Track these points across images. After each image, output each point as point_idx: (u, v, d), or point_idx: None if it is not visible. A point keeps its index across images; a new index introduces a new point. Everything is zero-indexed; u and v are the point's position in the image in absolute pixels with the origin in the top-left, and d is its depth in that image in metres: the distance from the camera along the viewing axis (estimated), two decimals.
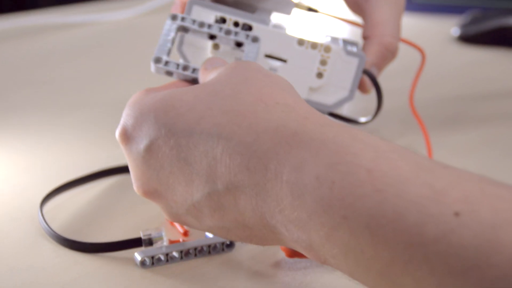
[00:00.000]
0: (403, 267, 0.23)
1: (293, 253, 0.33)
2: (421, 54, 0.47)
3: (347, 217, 0.24)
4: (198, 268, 0.34)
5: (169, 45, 0.36)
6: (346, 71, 0.41)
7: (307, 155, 0.26)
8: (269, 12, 0.43)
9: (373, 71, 0.43)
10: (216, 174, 0.28)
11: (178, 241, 0.36)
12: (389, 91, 0.50)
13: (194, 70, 0.36)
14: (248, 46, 0.37)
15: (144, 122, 0.30)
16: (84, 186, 0.43)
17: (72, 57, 0.74)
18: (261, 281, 0.33)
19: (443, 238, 0.22)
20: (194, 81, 0.36)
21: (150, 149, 0.30)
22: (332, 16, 0.46)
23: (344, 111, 0.54)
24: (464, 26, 0.75)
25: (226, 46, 0.39)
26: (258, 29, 0.40)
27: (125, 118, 0.32)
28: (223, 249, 0.35)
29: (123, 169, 0.44)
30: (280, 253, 0.35)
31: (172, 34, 0.37)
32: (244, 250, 0.36)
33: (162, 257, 0.34)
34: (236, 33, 0.37)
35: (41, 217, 0.38)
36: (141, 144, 0.31)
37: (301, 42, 0.41)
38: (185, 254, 0.35)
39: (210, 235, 0.36)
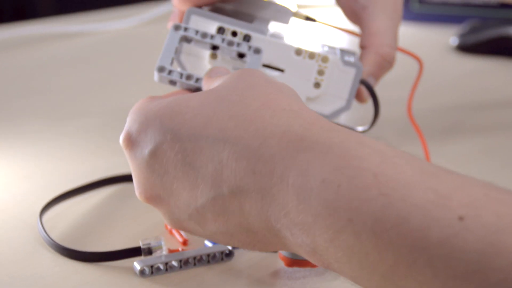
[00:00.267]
0: (406, 270, 0.23)
1: (292, 262, 0.33)
2: (419, 63, 0.47)
3: (352, 220, 0.24)
4: (198, 277, 0.34)
5: (172, 54, 0.37)
6: (343, 81, 0.41)
7: (313, 159, 0.26)
8: (267, 21, 0.44)
9: (370, 80, 0.44)
10: (222, 178, 0.28)
11: (177, 250, 0.36)
12: (387, 100, 0.51)
13: (197, 80, 0.36)
14: (250, 57, 0.37)
15: (149, 127, 0.31)
16: (84, 195, 0.43)
17: (71, 66, 0.74)
18: None
19: (447, 242, 0.22)
20: (197, 91, 0.36)
21: (155, 154, 0.30)
22: (329, 25, 0.47)
23: (342, 120, 0.54)
24: (462, 36, 0.76)
25: (225, 55, 0.39)
26: (256, 38, 0.40)
27: (129, 123, 0.32)
28: (222, 258, 0.35)
29: (123, 178, 0.44)
30: (279, 262, 0.35)
31: (175, 44, 0.37)
32: (243, 259, 0.36)
33: (162, 266, 0.34)
34: (238, 44, 0.37)
35: (40, 226, 0.38)
36: (146, 149, 0.31)
37: (298, 52, 0.41)
38: (185, 263, 0.35)
39: (209, 244, 0.36)
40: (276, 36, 0.41)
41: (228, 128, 0.29)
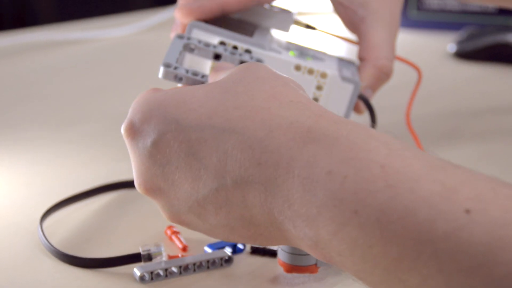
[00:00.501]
0: (411, 264, 0.23)
1: (291, 268, 0.33)
2: (418, 72, 0.48)
3: (358, 211, 0.24)
4: (197, 283, 0.34)
5: (176, 55, 0.37)
6: (341, 96, 0.42)
7: (320, 150, 0.26)
8: (268, 31, 0.44)
9: (368, 93, 0.44)
10: (226, 168, 0.28)
11: (177, 256, 0.36)
12: (385, 107, 0.51)
13: (203, 76, 0.36)
14: None
15: (153, 116, 0.30)
16: (84, 202, 0.43)
17: (71, 72, 0.75)
18: None
19: (452, 235, 0.22)
20: None
21: (158, 144, 0.30)
22: (329, 33, 0.47)
23: None
24: (460, 43, 0.76)
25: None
26: (256, 53, 0.41)
27: (132, 112, 0.31)
28: (221, 264, 0.35)
29: (123, 185, 0.45)
30: (278, 268, 0.35)
31: (179, 49, 0.37)
32: (242, 265, 0.36)
33: (161, 272, 0.34)
34: (241, 54, 0.38)
35: (41, 232, 0.38)
36: (149, 138, 0.30)
37: (298, 67, 0.41)
38: (184, 269, 0.35)
39: (209, 250, 0.37)
40: (276, 51, 0.42)
41: (234, 118, 0.28)
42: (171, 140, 0.29)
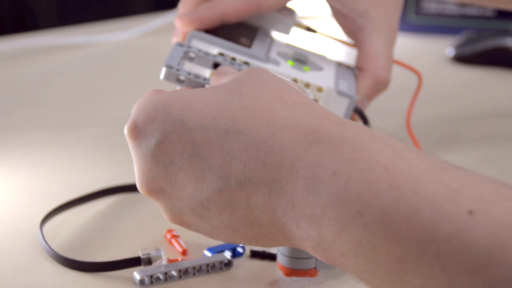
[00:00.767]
0: (414, 264, 0.23)
1: (291, 272, 0.34)
2: (418, 77, 0.48)
3: (362, 212, 0.24)
4: (197, 287, 0.34)
5: (178, 60, 0.37)
6: (336, 110, 0.42)
7: (324, 152, 0.26)
8: (268, 34, 0.44)
9: (363, 102, 0.44)
10: (230, 169, 0.28)
11: (176, 260, 0.36)
12: (385, 111, 0.51)
13: (205, 79, 0.36)
14: None
15: (157, 117, 0.30)
16: (84, 206, 0.43)
17: (72, 77, 0.75)
18: None
19: (456, 236, 0.22)
20: None
21: (161, 144, 0.30)
22: (329, 37, 0.47)
23: None
24: (458, 47, 0.76)
25: None
26: (254, 66, 0.41)
27: (135, 113, 0.31)
28: (221, 268, 0.36)
29: (123, 189, 0.45)
30: (277, 272, 0.35)
31: (180, 55, 0.38)
32: (242, 269, 0.36)
33: (161, 276, 0.34)
34: (240, 64, 0.39)
35: (41, 236, 0.38)
36: (153, 139, 0.30)
37: (295, 81, 0.42)
38: (184, 273, 0.35)
39: (208, 253, 0.37)
40: (275, 62, 0.42)
41: (239, 119, 0.28)
42: (175, 141, 0.29)
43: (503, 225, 0.22)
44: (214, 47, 0.41)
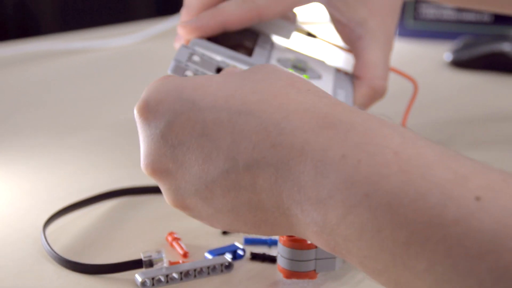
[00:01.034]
0: (418, 248, 0.23)
1: (291, 274, 0.34)
2: (414, 84, 0.48)
3: (369, 194, 0.24)
4: None
5: (185, 58, 0.38)
6: None
7: (335, 135, 0.26)
8: (269, 38, 0.45)
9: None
10: (239, 150, 0.28)
11: (178, 263, 0.36)
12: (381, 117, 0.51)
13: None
14: None
15: (169, 97, 0.30)
16: (87, 209, 0.43)
17: (74, 81, 0.75)
18: None
19: (462, 221, 0.23)
20: None
21: (172, 124, 0.30)
22: (329, 42, 0.48)
23: None
24: (456, 52, 0.77)
25: None
26: None
27: (147, 93, 0.31)
28: (222, 270, 0.36)
29: (125, 192, 0.45)
30: (277, 274, 0.36)
31: (187, 55, 0.38)
32: (242, 271, 0.36)
33: (162, 278, 0.35)
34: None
35: (43, 239, 0.38)
36: (163, 119, 0.30)
37: None
38: (185, 275, 0.35)
39: (209, 256, 0.37)
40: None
41: (251, 101, 0.28)
42: (186, 121, 0.29)
43: (509, 212, 0.22)
44: (215, 55, 0.41)
